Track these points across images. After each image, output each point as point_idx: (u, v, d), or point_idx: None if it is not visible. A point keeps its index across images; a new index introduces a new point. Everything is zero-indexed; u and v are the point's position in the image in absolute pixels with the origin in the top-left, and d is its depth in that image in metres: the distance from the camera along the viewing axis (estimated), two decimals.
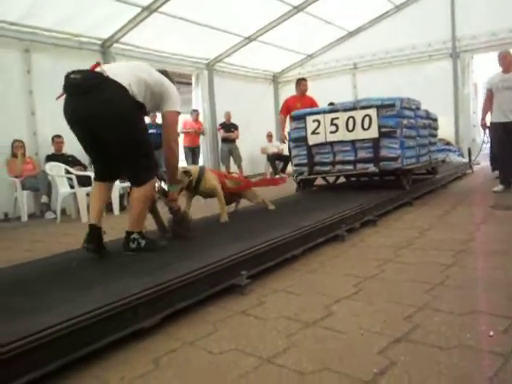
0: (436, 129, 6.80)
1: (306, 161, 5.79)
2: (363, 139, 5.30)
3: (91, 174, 6.59)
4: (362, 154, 5.41)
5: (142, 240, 2.78)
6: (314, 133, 5.60)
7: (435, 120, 6.73)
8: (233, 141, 10.91)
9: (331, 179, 6.62)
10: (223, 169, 10.83)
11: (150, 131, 9.31)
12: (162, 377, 1.64)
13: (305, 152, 5.78)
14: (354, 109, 5.33)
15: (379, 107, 5.19)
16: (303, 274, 2.79)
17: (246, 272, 2.48)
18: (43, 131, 7.25)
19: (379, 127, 5.17)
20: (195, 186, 3.63)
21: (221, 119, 11.07)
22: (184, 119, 10.72)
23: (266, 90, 12.81)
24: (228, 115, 10.84)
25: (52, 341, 1.60)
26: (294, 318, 2.08)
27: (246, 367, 1.64)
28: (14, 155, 6.61)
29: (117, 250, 2.85)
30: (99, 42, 8.43)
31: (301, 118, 5.80)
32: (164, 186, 3.26)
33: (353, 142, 5.40)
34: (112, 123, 2.61)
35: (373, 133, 5.21)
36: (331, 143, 5.54)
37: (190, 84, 11.33)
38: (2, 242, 5.05)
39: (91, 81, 2.61)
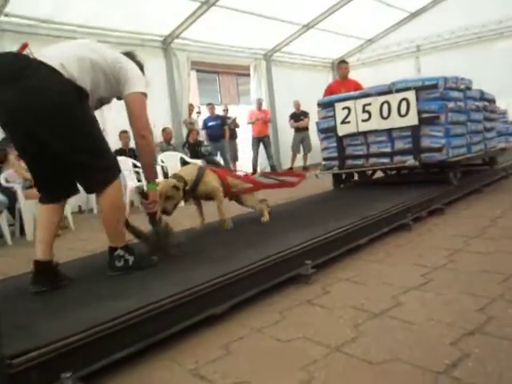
0: (494, 112, 5.84)
1: (336, 154, 5.16)
2: (401, 127, 4.58)
3: (157, 167, 6.89)
4: (399, 145, 4.68)
5: (128, 256, 2.32)
6: (344, 122, 4.95)
7: (492, 101, 5.79)
8: (305, 129, 10.82)
9: (356, 175, 5.78)
10: (282, 162, 10.86)
11: (210, 123, 9.64)
12: (233, 362, 1.70)
13: (335, 144, 5.14)
14: (388, 92, 4.60)
15: (419, 89, 4.45)
16: (369, 263, 2.77)
17: (310, 262, 2.49)
18: (111, 127, 7.60)
19: (419, 112, 4.45)
20: (192, 189, 3.13)
21: (280, 109, 11.06)
22: (249, 110, 10.81)
23: (325, 78, 12.64)
24: (297, 104, 10.77)
25: (132, 325, 1.70)
26: (360, 307, 2.07)
27: (314, 355, 1.67)
28: None
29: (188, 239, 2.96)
30: (160, 39, 8.68)
31: (329, 105, 5.14)
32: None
33: (389, 131, 4.68)
34: (45, 117, 2.07)
35: (411, 119, 4.48)
36: (364, 133, 4.86)
37: (247, 75, 11.41)
38: (82, 233, 5.37)
39: (12, 65, 2.08)
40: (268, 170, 10.44)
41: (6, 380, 1.39)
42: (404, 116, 4.51)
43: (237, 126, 10.58)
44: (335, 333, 1.83)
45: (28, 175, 5.46)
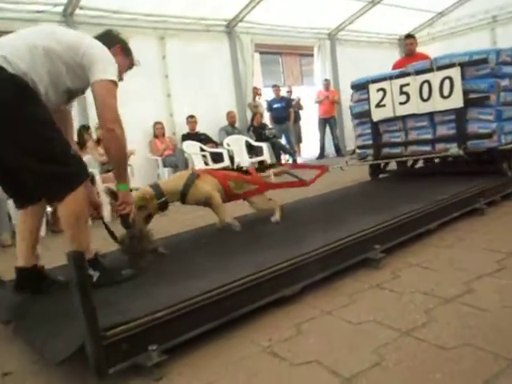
0: None
1: (371, 141, 4.64)
2: (443, 111, 4.01)
3: (223, 150, 7.08)
4: (442, 131, 4.10)
5: (93, 271, 2.10)
6: (378, 105, 4.41)
7: None
8: None
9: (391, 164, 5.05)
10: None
11: (275, 106, 9.65)
12: (304, 342, 1.77)
13: (370, 131, 4.63)
14: (429, 70, 4.04)
15: (465, 65, 3.86)
16: (439, 248, 2.73)
17: (379, 246, 2.51)
18: (178, 112, 7.86)
19: (465, 93, 3.85)
20: (182, 198, 2.87)
21: (344, 90, 10.83)
22: (317, 90, 10.65)
23: (392, 55, 12.18)
24: None
25: (210, 303, 1.83)
26: (430, 293, 2.07)
27: (385, 338, 1.70)
28: (156, 136, 7.26)
29: (254, 222, 3.06)
30: (224, 23, 8.77)
31: (363, 86, 4.62)
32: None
33: (431, 115, 4.13)
34: None
35: (455, 101, 3.87)
36: (402, 118, 4.33)
37: (311, 56, 11.26)
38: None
39: None
40: (332, 150, 10.30)
41: (101, 350, 1.55)
42: (447, 97, 3.94)
43: (301, 107, 10.53)
44: (405, 317, 1.85)
45: (106, 159, 5.81)
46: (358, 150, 4.90)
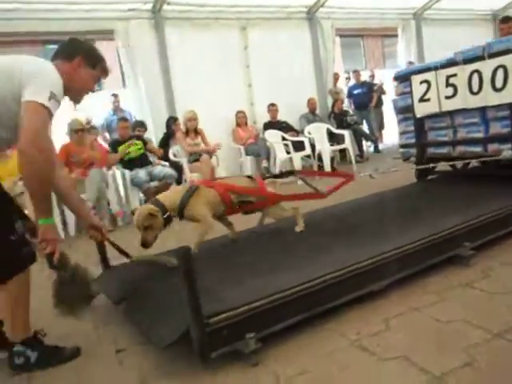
0: None
1: (414, 140, 4.18)
2: (497, 105, 3.45)
3: (304, 139, 7.13)
4: (495, 129, 3.54)
5: (31, 352, 1.98)
6: (422, 99, 3.93)
7: None
8: None
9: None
10: None
11: (355, 91, 9.48)
12: (392, 337, 1.83)
13: (413, 128, 4.15)
14: (480, 58, 3.52)
15: None
16: None
17: (469, 243, 2.47)
18: (259, 101, 8.01)
19: None
20: (179, 213, 2.69)
21: None
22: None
23: (486, 34, 11.43)
24: None
25: (301, 296, 1.94)
26: None
27: (475, 339, 1.72)
28: (238, 125, 7.47)
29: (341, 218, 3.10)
30: (305, 10, 8.72)
31: (406, 78, 4.16)
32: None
33: (482, 110, 3.58)
34: None
35: (510, 94, 3.35)
36: (450, 113, 3.83)
37: (393, 36, 10.87)
38: None
39: None
40: None
41: (204, 336, 1.73)
42: (500, 90, 3.38)
43: (384, 92, 10.24)
44: (497, 318, 1.84)
45: (193, 149, 6.11)
46: (400, 150, 4.50)
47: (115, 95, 7.95)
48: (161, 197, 2.72)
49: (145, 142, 5.92)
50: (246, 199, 2.88)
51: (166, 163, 5.96)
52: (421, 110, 4.01)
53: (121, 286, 2.49)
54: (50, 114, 1.84)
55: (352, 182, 3.36)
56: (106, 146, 6.37)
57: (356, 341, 1.84)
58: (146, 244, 2.52)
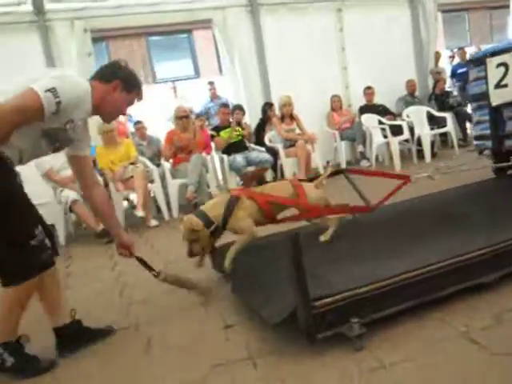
0: None
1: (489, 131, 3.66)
2: None
3: (402, 122, 6.88)
4: None
5: (8, 356, 1.99)
6: (499, 85, 3.45)
7: None
8: None
9: None
10: None
11: (460, 71, 8.86)
12: (504, 332, 1.76)
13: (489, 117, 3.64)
14: None
15: None
16: None
17: None
18: (354, 84, 7.83)
19: None
20: (222, 225, 2.62)
21: None
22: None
23: None
24: None
25: (408, 284, 1.94)
26: None
27: None
28: (333, 109, 7.39)
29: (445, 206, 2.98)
30: None
31: (481, 61, 3.63)
32: None
33: None
34: None
35: None
36: None
37: (504, 7, 9.99)
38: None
39: None
40: None
41: (310, 318, 1.79)
42: None
43: None
44: None
45: (288, 135, 6.17)
46: (475, 142, 4.09)
47: (211, 83, 8.22)
48: (206, 208, 2.67)
49: (242, 128, 6.09)
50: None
51: (263, 148, 6.10)
52: (497, 97, 3.53)
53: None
54: (39, 105, 1.80)
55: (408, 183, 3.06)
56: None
57: (465, 333, 1.80)
58: (191, 255, 2.60)
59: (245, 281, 2.41)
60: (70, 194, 4.81)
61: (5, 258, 1.93)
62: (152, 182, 5.39)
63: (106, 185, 5.29)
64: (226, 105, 6.55)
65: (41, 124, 1.90)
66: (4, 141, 1.79)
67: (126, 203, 5.75)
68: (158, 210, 5.53)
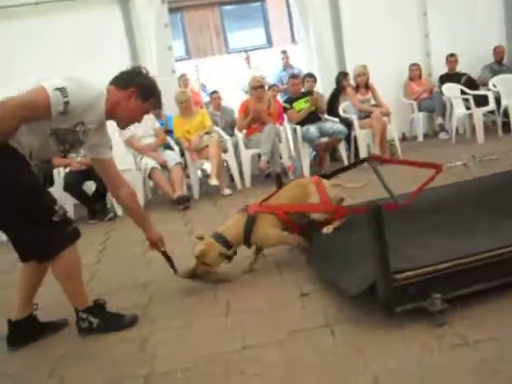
0: None
1: None
2: None
3: (488, 93, 6.44)
4: None
5: (92, 318, 2.17)
6: None
7: None
8: None
9: None
10: None
11: None
12: None
13: None
14: None
15: None
16: None
17: None
18: (436, 52, 7.40)
19: None
20: (245, 242, 2.59)
21: None
22: None
23: None
24: None
25: (493, 263, 1.87)
26: None
27: None
28: (411, 79, 7.05)
29: None
30: None
31: None
32: None
33: None
34: None
35: None
36: None
37: None
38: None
39: None
40: None
41: (390, 290, 1.78)
42: None
43: None
44: None
45: (363, 107, 6.00)
46: None
47: (284, 52, 8.05)
48: (224, 230, 2.57)
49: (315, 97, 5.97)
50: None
51: (336, 119, 5.98)
52: None
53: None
54: (47, 102, 1.85)
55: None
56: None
57: None
58: (191, 276, 2.53)
59: (320, 252, 2.43)
60: (149, 162, 5.02)
61: (33, 238, 2.04)
62: (225, 151, 5.49)
63: (182, 154, 5.48)
64: (294, 75, 6.42)
65: (49, 123, 1.94)
66: (11, 134, 1.86)
67: (199, 172, 5.91)
68: (231, 179, 5.64)
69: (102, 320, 2.17)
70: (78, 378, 1.88)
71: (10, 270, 3.68)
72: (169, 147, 5.50)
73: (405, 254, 1.97)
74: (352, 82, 6.34)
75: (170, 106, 5.91)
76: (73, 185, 4.80)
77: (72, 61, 5.53)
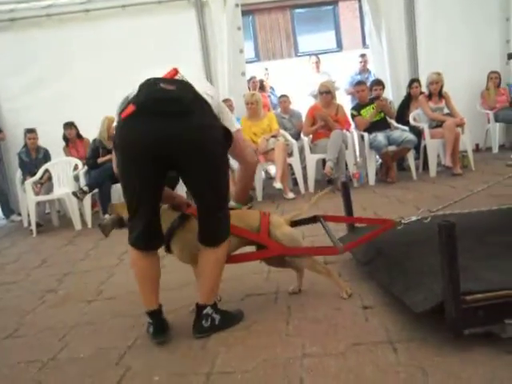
0: None
1: None
2: None
3: None
4: None
5: (215, 315, 2.16)
6: None
7: None
8: None
9: None
10: None
11: None
12: None
13: None
14: None
15: None
16: None
17: None
18: None
19: None
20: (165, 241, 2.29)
21: None
22: None
23: None
24: None
25: None
26: None
27: None
28: (488, 88, 6.71)
29: None
30: None
31: None
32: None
33: None
34: (200, 158, 1.94)
35: None
36: None
37: None
38: (483, 174, 5.38)
39: (189, 96, 1.92)
40: None
41: (459, 311, 1.72)
42: None
43: None
44: None
45: (435, 116, 5.78)
46: None
47: (363, 55, 7.78)
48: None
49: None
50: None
51: (406, 127, 5.82)
52: None
53: (367, 247, 2.63)
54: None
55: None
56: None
57: None
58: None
59: (384, 265, 2.39)
60: None
61: (223, 217, 2.10)
62: (291, 155, 5.51)
63: None
64: (360, 82, 6.27)
65: None
66: None
67: (263, 174, 5.98)
68: (295, 183, 5.66)
69: (222, 317, 2.17)
70: (144, 368, 1.97)
71: (85, 258, 3.94)
72: None
73: (476, 275, 1.90)
74: (424, 89, 6.15)
75: (238, 108, 6.05)
76: None
77: (149, 61, 5.79)
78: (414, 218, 2.54)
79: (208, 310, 2.14)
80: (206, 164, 1.96)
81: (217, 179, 2.03)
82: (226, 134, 2.05)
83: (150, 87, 1.89)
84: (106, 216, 2.39)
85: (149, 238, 2.08)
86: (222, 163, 2.05)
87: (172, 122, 1.86)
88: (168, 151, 1.89)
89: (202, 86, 2.00)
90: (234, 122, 2.18)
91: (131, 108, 1.87)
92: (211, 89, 2.11)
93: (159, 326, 2.13)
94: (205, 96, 1.96)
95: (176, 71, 1.98)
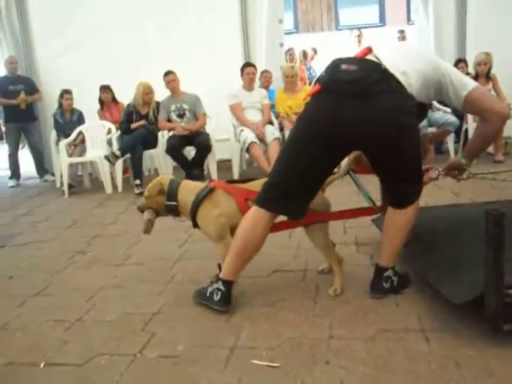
0: None
1: None
2: None
3: None
4: None
5: (394, 277, 2.16)
6: None
7: None
8: None
9: None
10: None
11: None
12: None
13: None
14: None
15: None
16: None
17: None
18: None
19: None
20: (192, 219, 2.29)
21: None
22: None
23: None
24: None
25: None
26: None
27: None
28: None
29: None
30: None
31: None
32: None
33: None
34: (388, 142, 1.90)
35: None
36: None
37: None
38: None
39: (373, 77, 1.85)
40: None
41: (500, 305, 1.63)
42: None
43: None
44: None
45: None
46: None
47: (402, 31, 7.55)
48: (181, 186, 2.30)
49: None
50: None
51: (448, 109, 5.57)
52: None
53: None
54: None
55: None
56: None
57: None
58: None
59: (421, 252, 2.29)
60: (249, 136, 5.06)
61: (414, 183, 2.06)
62: None
63: (282, 129, 5.45)
64: None
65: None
66: None
67: None
68: None
69: (399, 278, 2.18)
70: (168, 336, 1.97)
71: (114, 222, 3.97)
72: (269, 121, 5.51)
73: None
74: (471, 70, 5.85)
75: (274, 79, 5.91)
76: (174, 148, 5.01)
77: (187, 30, 5.81)
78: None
79: (389, 273, 2.15)
80: (387, 152, 1.93)
81: (402, 162, 1.97)
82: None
83: (333, 68, 1.94)
84: (145, 213, 2.35)
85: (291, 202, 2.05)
86: (407, 147, 1.94)
87: (350, 104, 1.85)
88: (344, 132, 1.88)
89: (395, 64, 1.90)
90: (463, 86, 1.98)
91: (317, 87, 1.95)
92: (412, 64, 1.96)
93: (228, 297, 2.12)
94: (397, 75, 1.87)
95: (368, 50, 1.96)
